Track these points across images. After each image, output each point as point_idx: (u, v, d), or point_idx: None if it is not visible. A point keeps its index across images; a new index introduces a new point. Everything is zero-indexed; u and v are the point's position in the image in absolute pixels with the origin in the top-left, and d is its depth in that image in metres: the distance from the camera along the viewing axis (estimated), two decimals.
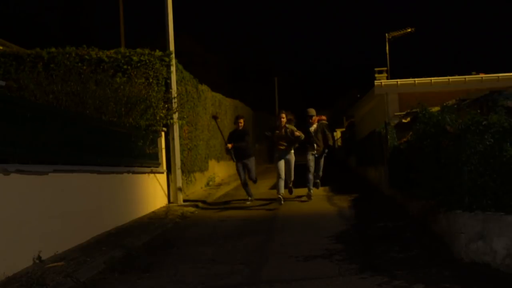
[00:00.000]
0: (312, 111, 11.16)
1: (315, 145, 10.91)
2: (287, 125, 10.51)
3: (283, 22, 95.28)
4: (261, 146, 31.34)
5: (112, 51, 11.50)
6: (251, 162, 11.09)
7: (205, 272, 5.50)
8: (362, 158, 18.82)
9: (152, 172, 10.69)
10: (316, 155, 11.03)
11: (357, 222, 8.25)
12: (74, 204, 6.85)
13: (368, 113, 24.63)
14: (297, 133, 10.38)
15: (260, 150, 30.94)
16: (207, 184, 15.86)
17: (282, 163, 10.60)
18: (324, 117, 11.47)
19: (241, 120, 11.14)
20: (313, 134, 10.93)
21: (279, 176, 10.60)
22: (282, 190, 10.56)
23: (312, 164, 10.92)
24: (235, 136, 11.11)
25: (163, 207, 10.99)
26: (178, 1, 12.43)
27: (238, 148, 10.88)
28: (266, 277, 5.18)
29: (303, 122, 11.25)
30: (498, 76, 19.24)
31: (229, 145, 10.84)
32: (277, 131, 10.58)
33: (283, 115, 10.58)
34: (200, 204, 11.42)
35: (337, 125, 37.12)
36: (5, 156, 5.51)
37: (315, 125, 11.05)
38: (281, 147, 10.60)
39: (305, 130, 10.85)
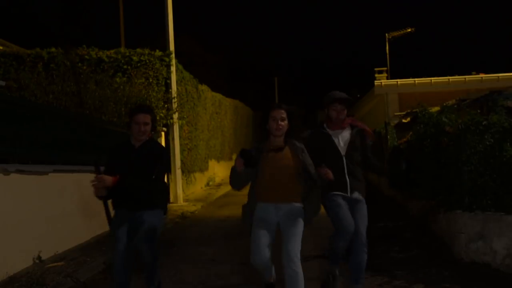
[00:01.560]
0: (341, 95, 4.47)
1: (346, 176, 4.40)
2: (295, 142, 4.05)
3: (283, 22, 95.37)
4: None
5: (112, 51, 11.52)
6: (155, 220, 4.15)
7: (205, 272, 5.50)
8: None
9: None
10: (352, 197, 4.45)
11: None
12: (74, 204, 6.84)
13: (368, 113, 24.66)
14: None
15: None
16: (207, 184, 15.87)
17: (266, 246, 3.90)
18: (369, 131, 4.72)
19: (147, 118, 4.18)
20: (344, 153, 4.42)
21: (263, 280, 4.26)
22: None
23: (346, 217, 4.35)
24: (126, 156, 4.21)
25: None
26: (178, 1, 12.42)
27: (127, 186, 4.07)
28: None
29: (308, 124, 5.68)
30: (498, 76, 19.29)
31: (107, 180, 3.97)
32: (269, 152, 3.99)
33: (283, 114, 3.96)
34: (200, 204, 11.42)
35: None
36: (5, 156, 5.51)
37: (347, 133, 4.51)
38: (275, 196, 3.95)
39: (325, 142, 4.44)
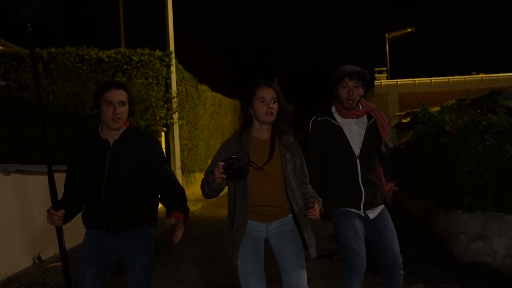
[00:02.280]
0: (353, 68, 3.29)
1: (361, 185, 3.30)
2: (282, 138, 2.96)
3: (283, 21, 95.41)
4: None
5: (112, 51, 11.54)
6: (148, 251, 2.97)
7: (205, 272, 5.50)
8: None
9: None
10: (368, 214, 3.39)
11: None
12: None
13: None
14: None
15: None
16: None
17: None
18: (381, 120, 3.37)
19: (122, 95, 2.82)
20: (358, 153, 3.28)
21: None
22: None
23: (357, 243, 3.29)
24: (98, 158, 2.90)
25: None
26: (178, 1, 12.43)
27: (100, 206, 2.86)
28: (265, 277, 5.17)
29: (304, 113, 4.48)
30: (498, 76, 19.33)
31: (58, 220, 2.77)
32: (251, 163, 2.83)
33: (274, 94, 2.91)
34: (200, 204, 11.42)
35: None
36: (5, 156, 5.51)
37: (363, 124, 3.34)
38: (265, 213, 2.94)
39: (333, 135, 3.29)
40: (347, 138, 3.27)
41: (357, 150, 3.27)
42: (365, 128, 3.31)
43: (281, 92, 2.96)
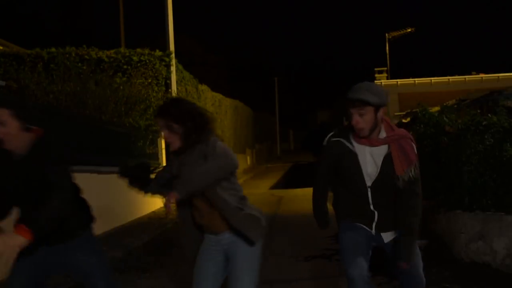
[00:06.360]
0: (355, 94, 2.85)
1: (372, 207, 3.00)
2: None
3: (283, 22, 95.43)
4: (261, 145, 31.26)
5: (112, 51, 11.54)
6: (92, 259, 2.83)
7: None
8: None
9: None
10: (381, 235, 3.14)
11: None
12: None
13: None
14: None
15: (260, 149, 30.90)
16: None
17: None
18: (398, 156, 2.96)
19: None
20: (370, 184, 2.94)
21: None
22: None
23: (354, 257, 3.06)
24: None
25: (163, 207, 11.00)
26: (178, 1, 12.43)
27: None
28: (265, 277, 5.16)
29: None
30: (498, 76, 19.34)
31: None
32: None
33: (161, 122, 2.95)
34: None
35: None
36: None
37: (382, 151, 2.91)
38: None
39: (347, 160, 2.92)
40: (360, 166, 2.87)
41: (368, 181, 2.89)
42: (382, 159, 2.88)
43: (175, 113, 2.80)
